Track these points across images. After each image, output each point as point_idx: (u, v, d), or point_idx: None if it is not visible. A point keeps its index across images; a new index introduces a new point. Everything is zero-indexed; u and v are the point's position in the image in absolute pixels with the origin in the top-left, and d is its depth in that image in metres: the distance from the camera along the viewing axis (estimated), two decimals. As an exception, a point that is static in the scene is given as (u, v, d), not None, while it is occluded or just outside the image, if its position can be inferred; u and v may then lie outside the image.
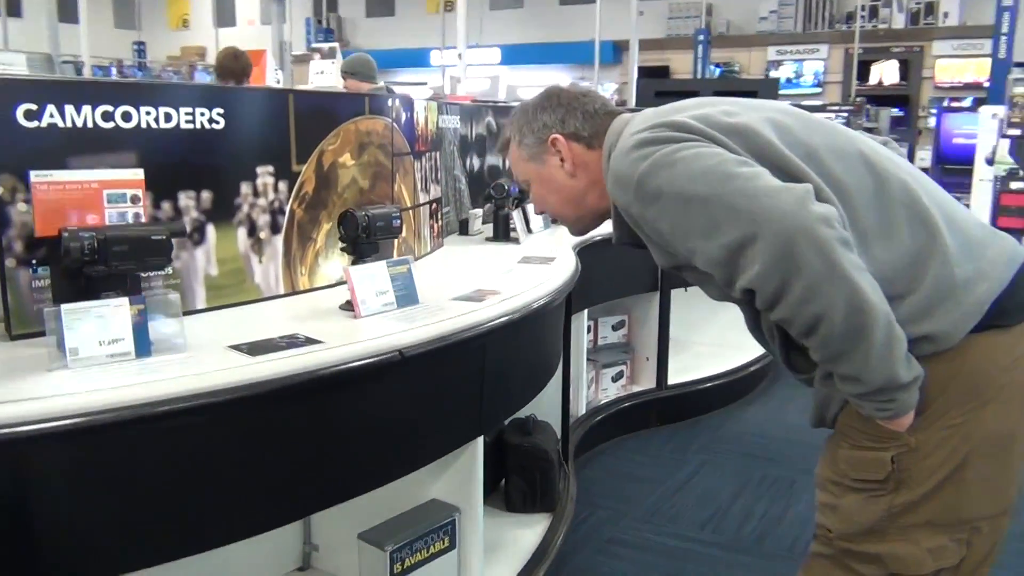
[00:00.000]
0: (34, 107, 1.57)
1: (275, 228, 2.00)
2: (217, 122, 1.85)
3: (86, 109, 1.64)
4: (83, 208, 1.59)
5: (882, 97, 14.00)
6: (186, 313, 1.68)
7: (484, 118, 3.40)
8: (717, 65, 16.43)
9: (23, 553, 1.30)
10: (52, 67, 8.58)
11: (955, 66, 13.60)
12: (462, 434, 2.01)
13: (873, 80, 14.76)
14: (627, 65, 16.86)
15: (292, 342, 1.65)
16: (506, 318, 1.99)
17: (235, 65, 4.91)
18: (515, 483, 2.63)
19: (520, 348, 2.18)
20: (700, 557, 2.74)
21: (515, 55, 17.58)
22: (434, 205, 2.76)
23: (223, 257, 1.90)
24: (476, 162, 3.35)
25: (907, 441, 1.30)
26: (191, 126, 1.80)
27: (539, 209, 1.69)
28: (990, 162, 6.69)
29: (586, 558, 2.71)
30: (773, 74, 16.33)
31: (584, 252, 2.91)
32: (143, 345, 1.52)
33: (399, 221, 2.00)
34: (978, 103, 11.95)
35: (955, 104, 12.69)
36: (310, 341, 1.66)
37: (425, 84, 10.69)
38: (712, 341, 4.37)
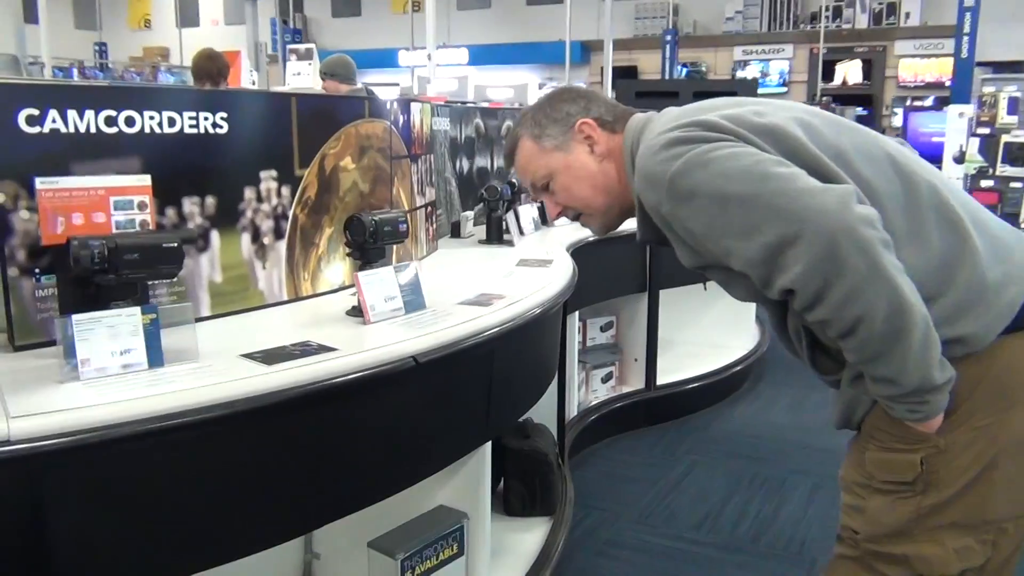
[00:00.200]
0: (36, 112, 1.53)
1: (278, 233, 1.97)
2: (221, 126, 1.81)
3: (89, 114, 1.60)
4: (90, 215, 1.55)
5: (846, 96, 14.19)
6: (191, 321, 1.65)
7: (473, 120, 3.38)
8: (684, 65, 16.56)
9: (38, 571, 1.26)
10: (19, 69, 8.40)
11: (917, 65, 13.83)
12: (471, 440, 1.99)
13: (837, 80, 14.97)
14: (596, 65, 16.96)
15: (306, 350, 1.62)
16: (515, 322, 1.97)
17: (210, 66, 4.84)
18: (514, 487, 2.62)
19: (525, 352, 2.16)
20: (698, 558, 2.75)
21: (483, 55, 17.56)
22: (429, 208, 2.74)
23: (227, 263, 1.87)
24: (465, 164, 3.33)
25: (936, 443, 1.30)
26: (195, 130, 1.77)
27: (561, 204, 1.59)
28: (958, 160, 6.80)
29: (585, 561, 2.71)
30: (740, 74, 16.49)
31: (575, 254, 2.90)
32: (156, 355, 1.48)
33: (405, 225, 1.97)
34: (939, 102, 12.17)
35: (917, 103, 12.91)
36: (323, 348, 1.63)
37: (397, 85, 10.61)
38: (697, 341, 4.40)
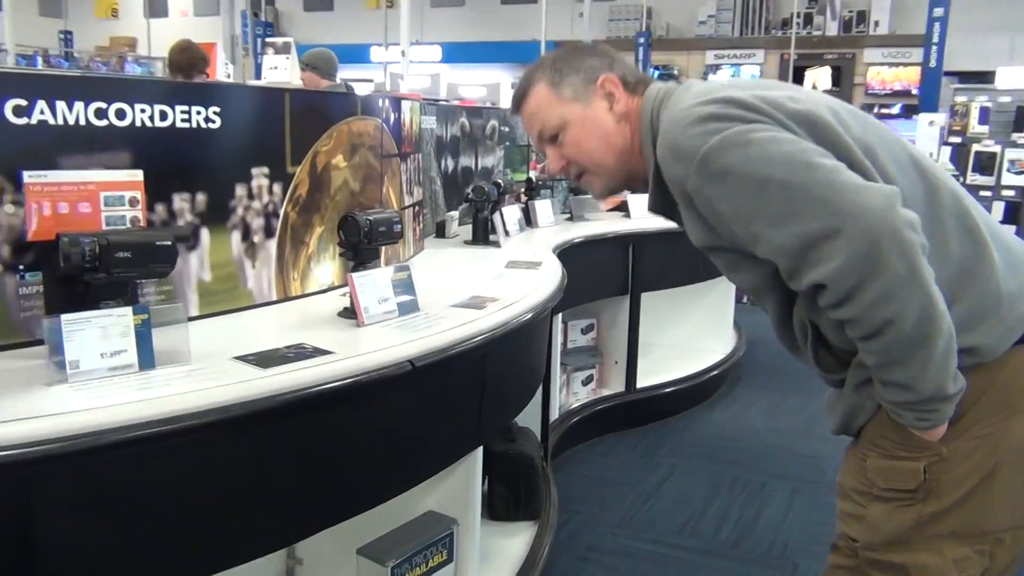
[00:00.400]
0: (24, 103, 1.47)
1: (269, 232, 1.92)
2: (213, 121, 1.76)
3: (78, 106, 1.55)
4: (79, 211, 1.50)
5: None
6: (179, 321, 1.60)
7: (458, 119, 3.35)
8: (656, 67, 16.64)
9: (25, 581, 1.21)
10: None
11: (885, 73, 14.02)
12: (463, 444, 1.96)
13: (807, 85, 15.12)
14: (569, 66, 16.96)
15: (300, 352, 1.58)
16: (508, 325, 1.95)
17: (181, 58, 4.74)
18: (499, 491, 2.59)
19: (517, 355, 2.14)
20: (680, 563, 2.74)
21: (456, 53, 17.49)
22: (417, 208, 2.70)
23: (217, 262, 1.82)
24: (450, 163, 3.29)
25: (939, 451, 1.30)
26: (187, 125, 1.71)
27: (567, 159, 1.50)
28: (929, 168, 6.87)
29: (568, 566, 2.69)
30: (711, 77, 16.62)
31: (558, 256, 2.89)
32: (147, 357, 1.44)
33: (399, 226, 1.94)
34: (907, 110, 12.34)
35: (885, 111, 13.07)
36: (318, 352, 1.59)
37: (371, 81, 10.52)
38: (675, 344, 4.40)
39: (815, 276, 1.19)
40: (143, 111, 1.64)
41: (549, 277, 2.43)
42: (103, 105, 1.58)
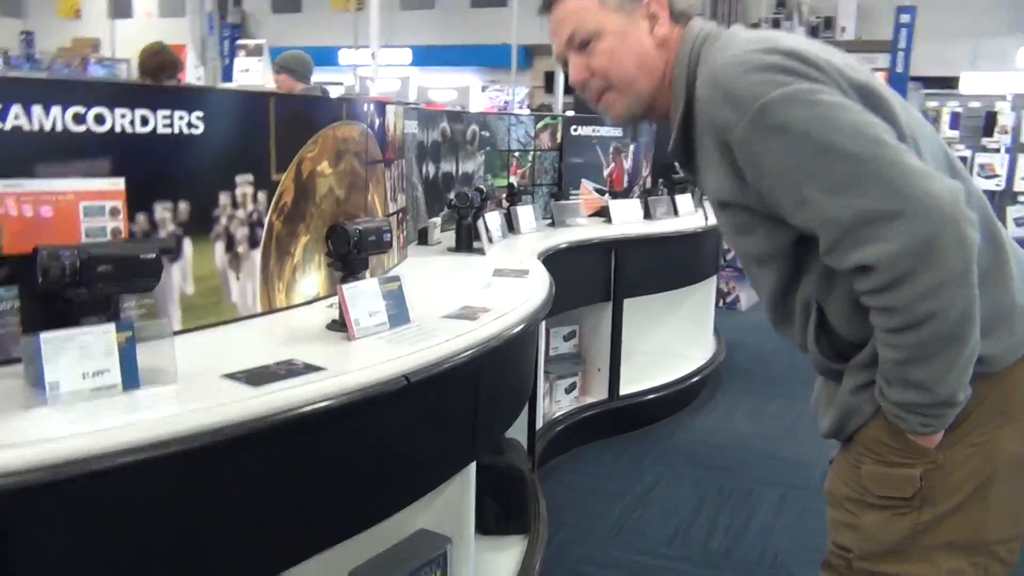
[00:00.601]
0: (-3, 107, 1.39)
1: (253, 242, 1.85)
2: (196, 127, 1.68)
3: (55, 110, 1.47)
4: (57, 223, 1.42)
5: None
6: (162, 336, 1.52)
7: (440, 124, 3.28)
8: (625, 71, 16.66)
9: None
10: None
11: (852, 78, 14.18)
12: (457, 460, 1.90)
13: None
14: (539, 70, 16.95)
15: (291, 369, 1.51)
16: (502, 336, 1.89)
17: (152, 62, 4.62)
18: (488, 505, 2.53)
19: (509, 366, 2.08)
20: (672, 574, 2.70)
21: (426, 56, 17.43)
22: (401, 215, 2.63)
23: (200, 274, 1.74)
24: (431, 169, 3.23)
25: (935, 458, 1.26)
26: (169, 131, 1.64)
27: (593, 70, 1.38)
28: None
29: (559, 580, 2.64)
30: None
31: (544, 263, 2.84)
32: (131, 376, 1.36)
33: (389, 235, 1.88)
34: (873, 115, 12.47)
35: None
36: (310, 368, 1.52)
37: (341, 84, 10.41)
38: (656, 351, 4.37)
39: (865, 256, 1.13)
40: (123, 116, 1.56)
41: (538, 286, 2.38)
42: (81, 110, 1.50)
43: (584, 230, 3.65)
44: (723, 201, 1.33)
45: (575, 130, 4.02)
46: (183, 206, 1.68)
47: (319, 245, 2.01)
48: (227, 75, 6.70)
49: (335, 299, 1.87)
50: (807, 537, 2.85)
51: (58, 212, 1.42)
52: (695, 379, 4.22)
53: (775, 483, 3.34)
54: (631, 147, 4.33)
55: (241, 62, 5.21)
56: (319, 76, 5.00)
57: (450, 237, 3.09)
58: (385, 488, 1.65)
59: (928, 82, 11.02)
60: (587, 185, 4.08)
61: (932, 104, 6.26)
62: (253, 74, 5.13)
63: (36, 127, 1.44)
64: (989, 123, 6.58)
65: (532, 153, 3.86)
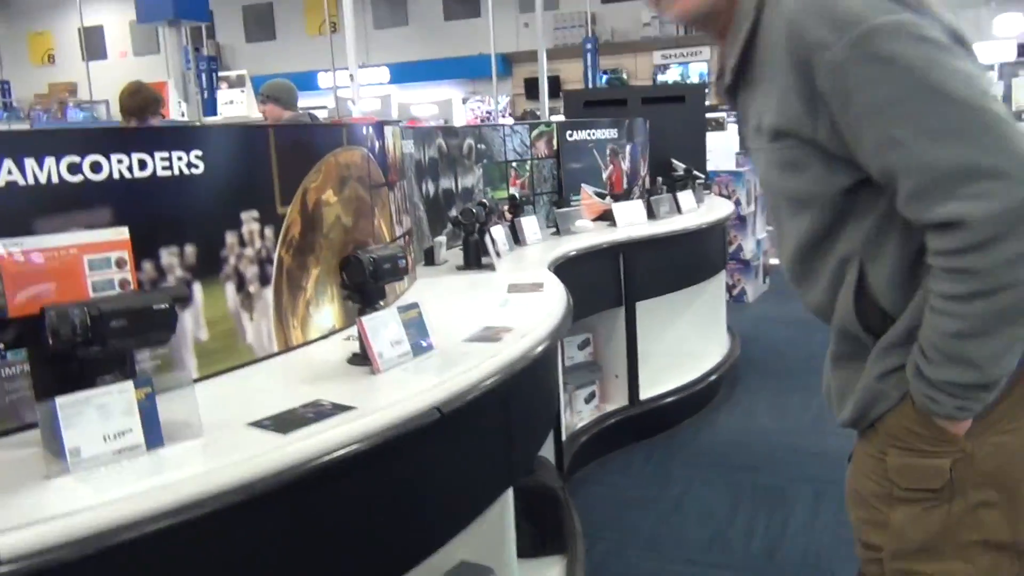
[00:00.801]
0: (-12, 164, 1.32)
1: (264, 279, 1.78)
2: (196, 166, 1.61)
3: (49, 162, 1.40)
4: (62, 279, 1.34)
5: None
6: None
7: (435, 140, 3.22)
8: (605, 72, 16.68)
9: None
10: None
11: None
12: (494, 487, 1.83)
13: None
14: (519, 77, 16.95)
15: (320, 411, 1.44)
16: (529, 356, 1.82)
17: (132, 102, 4.54)
18: (523, 528, 2.45)
19: (536, 385, 2.02)
20: (714, 581, 2.63)
21: (404, 73, 17.40)
22: (407, 237, 2.56)
23: (213, 318, 1.67)
24: (430, 187, 3.16)
25: (964, 446, 1.18)
26: (168, 172, 1.57)
27: None
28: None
29: (600, 597, 2.57)
30: (660, 78, 16.70)
31: (555, 272, 2.78)
32: (154, 434, 1.29)
33: (404, 261, 1.81)
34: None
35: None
36: (339, 408, 1.45)
37: (324, 108, 10.35)
38: (670, 352, 4.29)
39: (958, 210, 1.04)
40: (120, 162, 1.49)
41: (556, 299, 2.31)
42: (76, 159, 1.43)
43: (590, 236, 3.58)
44: (781, 130, 1.20)
45: (571, 135, 3.96)
46: (189, 249, 1.61)
47: (331, 276, 1.94)
48: (209, 108, 6.61)
49: (352, 331, 1.81)
50: (848, 531, 2.76)
51: (62, 268, 1.34)
52: (713, 377, 4.15)
53: (807, 479, 3.26)
54: (627, 148, 4.27)
55: (224, 94, 5.15)
56: (301, 101, 4.98)
57: (456, 255, 3.02)
58: (424, 526, 1.58)
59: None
60: (587, 190, 4.01)
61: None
62: (237, 105, 5.07)
63: (31, 181, 1.37)
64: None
65: (530, 162, 3.79)
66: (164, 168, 1.56)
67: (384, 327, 1.70)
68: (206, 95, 8.06)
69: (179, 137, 1.62)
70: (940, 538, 1.21)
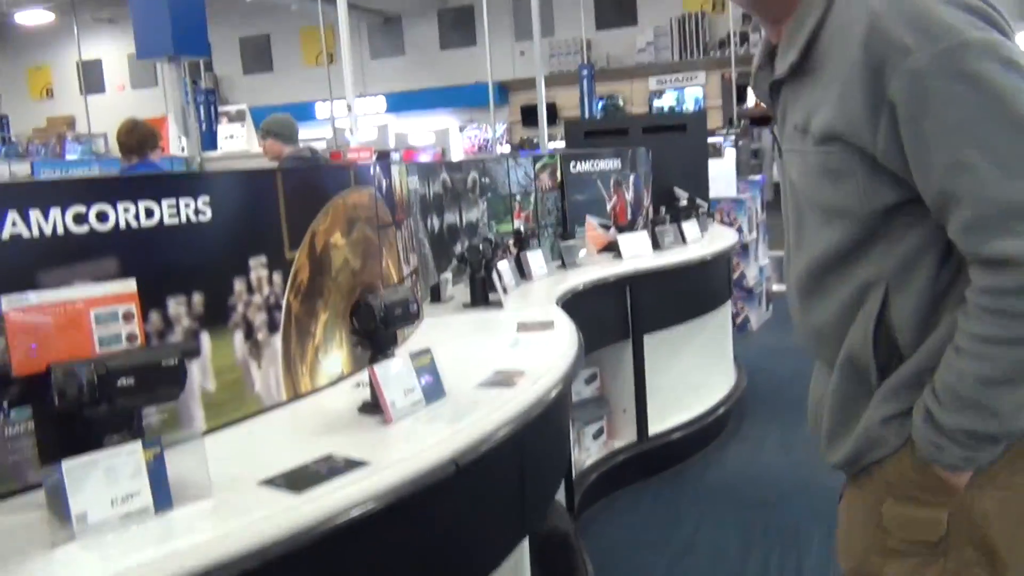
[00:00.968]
0: (-8, 216, 1.29)
1: (272, 326, 1.74)
2: (204, 213, 1.58)
3: (55, 212, 1.36)
4: (68, 334, 1.30)
5: (760, 118, 14.54)
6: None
7: (439, 175, 3.19)
8: (601, 98, 16.73)
9: None
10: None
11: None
12: (510, 537, 1.77)
13: (751, 102, 15.30)
14: (516, 105, 17.01)
15: (333, 467, 1.39)
16: (544, 401, 1.78)
17: (131, 140, 4.53)
18: (535, 574, 2.40)
19: (550, 430, 1.97)
20: (730, 624, 2.57)
21: (400, 102, 17.47)
22: (414, 276, 2.53)
23: (220, 367, 1.62)
24: (435, 222, 3.13)
25: (962, 499, 1.14)
26: (176, 220, 1.53)
27: None
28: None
29: (615, 644, 2.50)
30: (657, 103, 16.77)
31: (563, 307, 2.74)
32: (163, 497, 1.24)
33: (416, 305, 1.76)
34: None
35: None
36: (352, 464, 1.40)
37: (323, 140, 10.36)
38: (676, 385, 4.23)
39: (1017, 248, 1.00)
40: (126, 210, 1.46)
41: (566, 338, 2.26)
42: (82, 209, 1.39)
43: (596, 269, 3.55)
44: (833, 132, 1.13)
45: (575, 167, 3.94)
46: (197, 298, 1.57)
47: (339, 321, 1.90)
48: (209, 142, 6.60)
49: (362, 376, 1.76)
50: None
51: (68, 323, 1.30)
52: (721, 411, 4.10)
53: (820, 516, 3.19)
54: (631, 178, 4.25)
55: (224, 128, 5.14)
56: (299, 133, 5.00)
57: (462, 291, 2.98)
58: (441, 582, 1.53)
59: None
60: (592, 221, 3.98)
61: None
62: (238, 140, 5.06)
63: (36, 233, 1.34)
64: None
65: (534, 195, 3.77)
66: (171, 216, 1.53)
67: (396, 375, 1.66)
68: (204, 127, 8.05)
69: (187, 184, 1.58)
70: None
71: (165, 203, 1.52)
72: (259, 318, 1.70)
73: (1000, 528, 1.15)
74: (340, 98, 12.13)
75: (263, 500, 1.28)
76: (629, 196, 4.25)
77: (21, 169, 6.54)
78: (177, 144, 5.27)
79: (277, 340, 1.75)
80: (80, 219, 1.39)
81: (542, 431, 1.86)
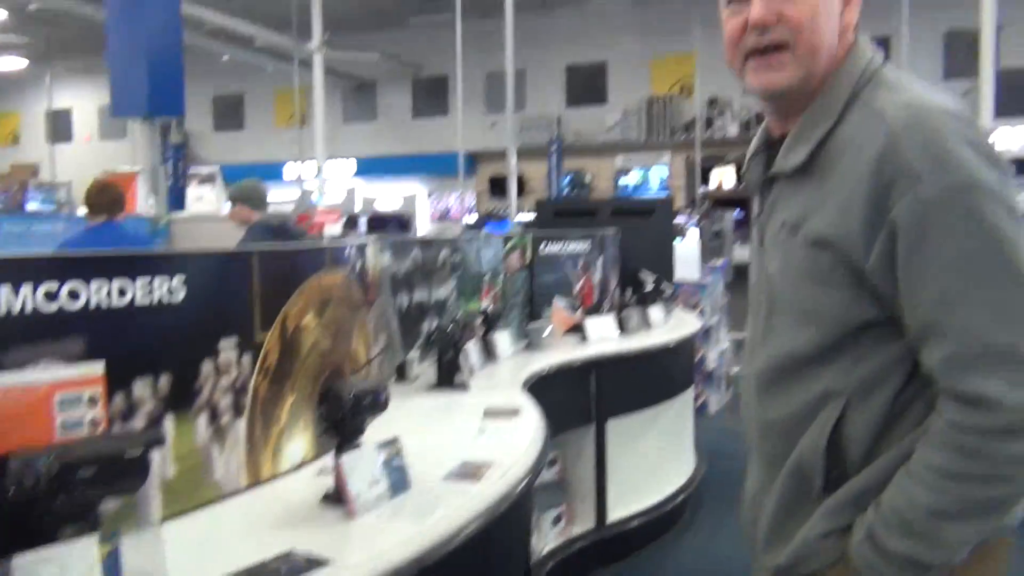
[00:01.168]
0: (-41, 292, 1.25)
1: (237, 410, 1.70)
2: (177, 292, 1.56)
3: (25, 289, 1.33)
4: (29, 418, 1.26)
5: (723, 200, 14.85)
6: (142, 530, 1.35)
7: (411, 252, 3.19)
8: (568, 174, 17.00)
9: None
10: None
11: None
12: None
13: (713, 184, 15.65)
14: (484, 175, 17.20)
15: (293, 566, 1.35)
16: (510, 497, 1.75)
17: (102, 199, 4.49)
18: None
19: (514, 524, 1.93)
20: None
21: (370, 167, 17.57)
22: (381, 356, 2.50)
23: (181, 453, 1.58)
24: (404, 300, 3.11)
25: None
26: (148, 301, 1.50)
27: (788, 17, 1.18)
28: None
29: None
30: (622, 180, 17.06)
31: (529, 390, 2.73)
32: (115, 596, 1.19)
33: (384, 395, 1.74)
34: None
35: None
36: (312, 563, 1.36)
37: (292, 202, 10.35)
38: (636, 470, 4.21)
39: (996, 390, 1.02)
40: (99, 289, 1.43)
41: (533, 428, 2.25)
42: (54, 286, 1.36)
43: (562, 351, 3.55)
44: (825, 240, 1.14)
45: (545, 248, 3.97)
46: (164, 380, 1.53)
47: (306, 404, 1.87)
48: (174, 199, 6.56)
49: (325, 463, 1.73)
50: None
51: (30, 407, 1.26)
52: (680, 498, 4.07)
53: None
54: (598, 260, 4.29)
55: (194, 191, 5.11)
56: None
57: (428, 369, 2.95)
58: None
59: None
60: (559, 303, 3.99)
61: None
62: (207, 202, 5.03)
63: (4, 310, 1.30)
64: None
65: (502, 276, 3.78)
66: (144, 296, 1.50)
67: (362, 466, 1.63)
68: (172, 182, 7.99)
69: (162, 263, 1.56)
70: None
71: (139, 282, 1.49)
72: (225, 401, 1.67)
73: None
74: (310, 159, 12.17)
75: (220, 602, 1.23)
76: (596, 278, 4.28)
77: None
78: (145, 202, 5.23)
79: (241, 424, 1.71)
80: (51, 296, 1.36)
81: (508, 525, 1.83)
